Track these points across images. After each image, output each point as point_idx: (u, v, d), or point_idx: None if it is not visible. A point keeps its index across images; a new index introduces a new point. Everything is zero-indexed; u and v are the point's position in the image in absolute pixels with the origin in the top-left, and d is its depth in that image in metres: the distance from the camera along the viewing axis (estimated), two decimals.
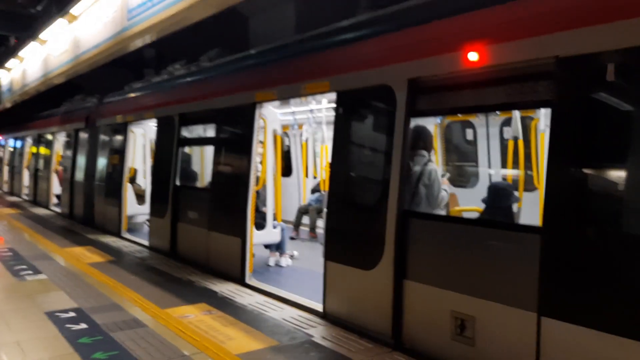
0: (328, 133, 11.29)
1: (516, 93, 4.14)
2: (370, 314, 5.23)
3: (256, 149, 7.31)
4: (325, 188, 9.53)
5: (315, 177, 12.05)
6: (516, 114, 6.43)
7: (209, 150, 11.01)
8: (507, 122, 7.95)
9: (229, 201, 7.66)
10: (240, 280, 7.19)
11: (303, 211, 11.19)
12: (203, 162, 11.91)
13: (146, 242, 10.26)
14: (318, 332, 5.35)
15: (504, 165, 8.05)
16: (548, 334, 3.76)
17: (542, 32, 3.89)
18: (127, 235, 11.17)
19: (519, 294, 3.96)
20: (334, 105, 5.88)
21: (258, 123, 7.28)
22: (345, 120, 5.75)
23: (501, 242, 4.16)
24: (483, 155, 8.49)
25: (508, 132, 8.04)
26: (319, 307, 5.93)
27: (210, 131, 8.51)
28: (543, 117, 7.10)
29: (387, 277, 5.01)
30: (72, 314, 5.84)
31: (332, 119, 10.01)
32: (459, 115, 7.68)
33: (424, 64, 4.79)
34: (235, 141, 7.70)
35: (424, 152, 5.28)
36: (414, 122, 5.30)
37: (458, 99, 4.64)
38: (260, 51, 7.51)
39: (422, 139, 5.31)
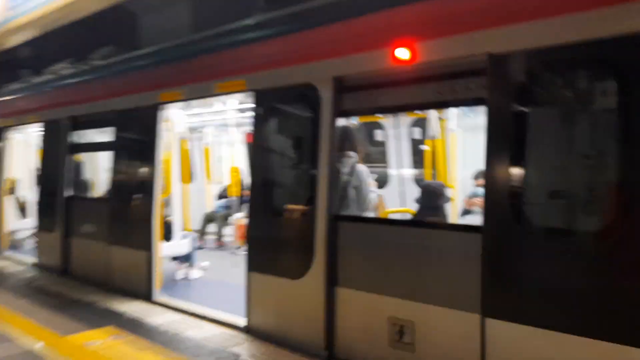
0: (236, 136, 10.93)
1: (449, 91, 4.06)
2: (300, 326, 4.94)
3: (161, 154, 6.76)
4: (233, 193, 9.11)
5: (220, 183, 11.55)
6: (434, 114, 6.47)
7: (105, 156, 10.20)
8: (417, 123, 8.05)
9: (132, 212, 7.01)
10: (148, 298, 6.59)
11: (209, 219, 10.66)
12: (97, 169, 10.96)
13: (33, 260, 9.21)
14: (245, 349, 4.97)
15: (416, 165, 8.13)
16: (492, 335, 3.70)
17: (474, 28, 3.84)
18: (9, 254, 9.97)
19: (461, 295, 3.88)
20: (252, 105, 5.52)
21: (162, 126, 6.74)
22: (264, 122, 5.42)
23: (441, 242, 4.05)
24: (393, 156, 8.53)
25: (417, 133, 8.17)
26: (241, 322, 5.53)
27: (108, 135, 7.76)
28: (454, 118, 7.26)
29: (318, 286, 4.75)
30: None
31: (240, 121, 9.84)
32: (385, 115, 7.53)
33: (350, 61, 4.60)
34: (138, 146, 7.06)
35: (352, 153, 5.09)
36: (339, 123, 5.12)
37: (388, 97, 4.50)
38: (165, 48, 6.95)
39: (349, 140, 5.12)
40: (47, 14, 9.24)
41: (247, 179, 10.92)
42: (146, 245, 6.62)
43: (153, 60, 7.03)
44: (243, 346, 5.04)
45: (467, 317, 3.83)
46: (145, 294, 6.64)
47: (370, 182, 5.10)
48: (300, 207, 5.01)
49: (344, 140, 5.06)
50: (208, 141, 11.15)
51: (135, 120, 7.13)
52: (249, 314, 5.45)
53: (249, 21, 5.62)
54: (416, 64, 4.18)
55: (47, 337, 5.32)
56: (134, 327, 5.67)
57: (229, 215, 10.46)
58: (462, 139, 7.64)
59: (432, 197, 5.39)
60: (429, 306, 4.07)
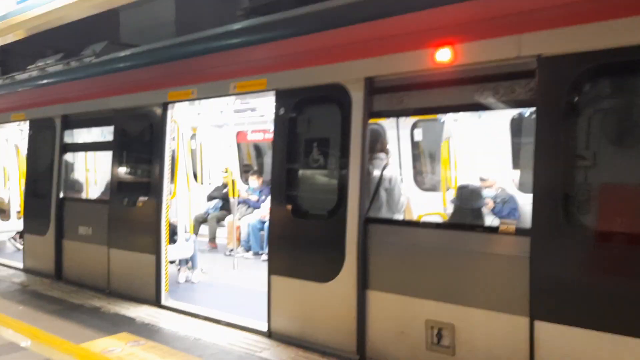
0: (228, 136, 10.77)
1: (494, 94, 4.07)
2: (329, 330, 4.88)
3: (169, 154, 6.57)
4: (235, 195, 8.95)
5: (210, 184, 11.32)
6: (449, 116, 6.48)
7: (100, 157, 9.90)
8: (417, 125, 8.05)
9: (137, 214, 6.79)
10: (157, 302, 6.39)
11: (201, 220, 10.43)
12: (87, 170, 10.61)
13: (18, 264, 8.84)
14: (273, 355, 4.87)
15: (417, 167, 8.13)
16: (542, 338, 3.71)
17: (524, 30, 3.85)
18: None
19: (507, 298, 3.88)
20: (275, 105, 5.42)
21: (170, 125, 6.56)
22: (288, 123, 5.32)
23: (486, 245, 4.05)
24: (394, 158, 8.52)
25: (418, 135, 8.19)
26: (262, 326, 5.42)
27: (107, 135, 7.50)
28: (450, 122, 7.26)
29: (349, 289, 4.70)
30: None
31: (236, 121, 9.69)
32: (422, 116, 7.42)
33: (388, 61, 4.56)
34: (144, 146, 6.85)
35: (383, 155, 5.06)
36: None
37: (427, 99, 4.48)
38: (176, 43, 6.75)
39: (379, 141, 5.09)
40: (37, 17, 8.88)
41: (238, 180, 10.81)
42: (153, 248, 6.42)
43: (162, 56, 6.82)
44: (271, 352, 4.94)
45: (514, 320, 3.83)
46: (152, 299, 6.44)
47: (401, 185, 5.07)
48: (329, 209, 4.93)
49: (374, 142, 5.02)
50: (199, 141, 10.91)
51: (140, 119, 6.92)
52: (270, 318, 5.34)
53: (275, 17, 5.52)
54: (458, 65, 4.17)
55: (60, 345, 5.10)
56: (150, 332, 5.49)
57: (222, 217, 10.28)
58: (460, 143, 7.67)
59: (469, 199, 5.40)
60: (471, 309, 4.06)
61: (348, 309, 4.71)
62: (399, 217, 5.11)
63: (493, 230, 4.33)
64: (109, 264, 7.05)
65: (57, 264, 8.06)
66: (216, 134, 10.90)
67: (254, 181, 10.26)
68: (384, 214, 4.90)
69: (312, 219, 5.19)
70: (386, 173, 4.95)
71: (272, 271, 5.34)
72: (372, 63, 4.67)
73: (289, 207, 5.25)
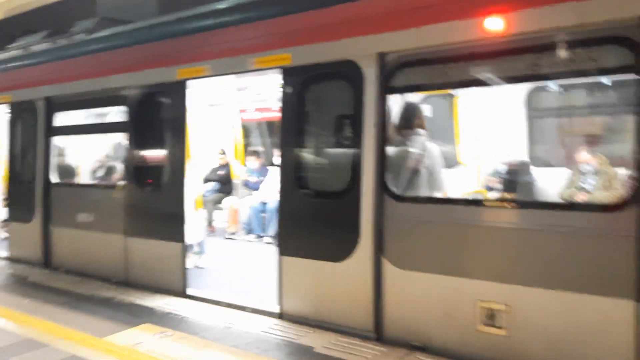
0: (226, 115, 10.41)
1: (551, 64, 3.90)
2: (344, 310, 4.83)
3: (187, 134, 6.20)
4: (236, 176, 8.66)
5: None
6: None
7: (94, 141, 9.50)
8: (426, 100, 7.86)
9: (160, 200, 6.40)
10: (182, 293, 6.07)
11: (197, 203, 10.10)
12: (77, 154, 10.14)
13: (3, 253, 8.51)
14: (314, 340, 4.68)
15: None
16: None
17: None
18: None
19: (599, 280, 3.65)
20: (282, 82, 5.30)
21: (188, 104, 6.19)
22: (298, 99, 5.22)
23: (564, 223, 3.80)
24: None
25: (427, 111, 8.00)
26: (273, 308, 5.37)
27: (112, 116, 7.08)
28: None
29: (365, 268, 4.66)
30: None
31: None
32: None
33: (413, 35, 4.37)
34: (161, 127, 6.46)
35: (421, 131, 4.86)
36: (403, 99, 4.91)
37: (474, 70, 4.28)
38: (185, 17, 6.37)
39: (417, 116, 4.89)
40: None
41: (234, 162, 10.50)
42: (177, 235, 6.11)
43: (171, 30, 6.44)
44: (310, 337, 4.75)
45: (613, 303, 3.61)
46: (179, 289, 6.10)
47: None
48: (340, 187, 4.88)
49: (412, 117, 4.83)
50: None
51: (157, 98, 6.53)
52: (281, 300, 5.27)
53: None
54: (514, 34, 3.97)
55: (82, 340, 4.81)
56: (174, 323, 5.24)
57: (219, 200, 9.99)
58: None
59: (518, 175, 5.25)
60: (536, 289, 3.88)
61: (364, 288, 4.66)
62: (439, 195, 4.93)
63: (582, 207, 4.12)
64: (127, 253, 6.66)
65: (45, 251, 7.78)
66: (209, 114, 10.52)
67: (253, 162, 9.96)
68: (425, 192, 4.72)
69: (324, 198, 5.13)
70: (426, 150, 4.77)
71: (282, 252, 5.26)
72: (392, 37, 4.48)
73: (300, 186, 5.17)
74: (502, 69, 4.19)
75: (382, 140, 4.59)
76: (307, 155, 5.33)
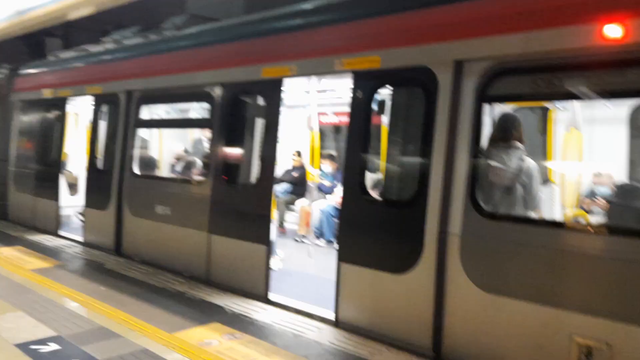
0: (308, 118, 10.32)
1: None
2: (401, 324, 4.66)
3: (279, 133, 6.01)
4: (310, 178, 8.54)
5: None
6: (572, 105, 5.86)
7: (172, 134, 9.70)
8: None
9: (247, 199, 6.23)
10: (264, 297, 5.88)
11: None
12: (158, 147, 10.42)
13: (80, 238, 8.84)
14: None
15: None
16: None
17: None
18: (65, 233, 9.38)
19: None
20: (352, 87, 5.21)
21: (282, 102, 6.05)
22: (366, 106, 5.13)
23: None
24: None
25: None
26: (328, 314, 5.29)
27: (200, 111, 7.07)
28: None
29: (426, 283, 4.46)
30: (54, 346, 4.46)
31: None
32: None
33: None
34: (251, 125, 6.36)
35: (519, 144, 4.53)
36: (501, 110, 4.61)
37: (576, 82, 3.91)
38: (272, 16, 6.31)
39: (515, 129, 4.56)
40: None
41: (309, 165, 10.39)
42: (263, 237, 5.96)
43: (256, 29, 6.40)
44: (384, 356, 4.51)
45: None
46: (261, 293, 5.91)
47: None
48: (406, 197, 4.77)
49: (510, 129, 4.51)
50: None
51: (251, 95, 6.49)
52: (338, 307, 5.18)
53: None
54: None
55: (154, 334, 4.80)
56: (243, 324, 5.15)
57: (292, 201, 9.91)
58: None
59: (625, 198, 4.82)
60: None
61: (424, 303, 4.48)
62: (535, 215, 4.56)
63: None
64: (210, 251, 6.54)
65: (117, 239, 7.96)
66: (287, 115, 10.48)
67: (327, 166, 9.82)
68: (519, 210, 4.38)
69: (389, 206, 5.01)
70: (522, 164, 4.42)
71: (342, 258, 5.15)
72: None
73: (364, 192, 5.08)
74: (617, 82, 3.79)
75: (474, 151, 4.30)
76: (374, 161, 5.42)
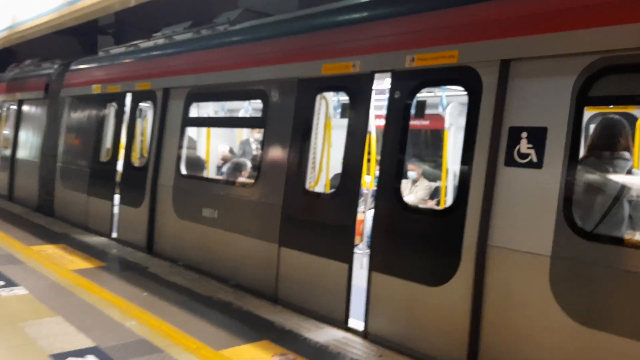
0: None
1: None
2: (434, 339, 4.37)
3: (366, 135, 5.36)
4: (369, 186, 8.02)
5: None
6: None
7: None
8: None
9: (326, 210, 5.48)
10: (344, 324, 5.10)
11: None
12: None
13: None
14: None
15: None
16: None
17: None
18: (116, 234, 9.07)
19: None
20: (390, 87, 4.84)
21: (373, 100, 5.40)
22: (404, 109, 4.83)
23: None
24: None
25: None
26: (358, 325, 4.99)
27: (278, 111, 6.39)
28: None
29: (462, 297, 4.15)
30: (91, 359, 4.08)
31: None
32: None
33: None
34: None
35: (627, 154, 3.91)
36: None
37: None
38: (332, 9, 5.84)
39: (622, 135, 3.94)
40: None
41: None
42: (344, 254, 5.16)
43: (315, 22, 5.96)
44: None
45: None
46: (340, 319, 5.13)
47: None
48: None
49: (616, 136, 3.90)
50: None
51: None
52: (368, 317, 4.88)
53: None
54: None
55: (199, 351, 4.38)
56: (294, 343, 4.67)
57: None
58: None
59: None
60: None
61: (460, 319, 4.16)
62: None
63: None
64: (279, 266, 5.78)
65: (149, 237, 7.74)
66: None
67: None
68: (622, 232, 3.75)
69: (425, 214, 4.89)
70: (631, 180, 3.80)
71: (373, 267, 4.86)
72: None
73: (398, 199, 4.77)
74: None
75: (571, 161, 3.70)
76: (401, 168, 4.98)
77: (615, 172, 3.84)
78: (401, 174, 4.93)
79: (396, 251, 4.74)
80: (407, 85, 4.80)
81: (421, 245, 4.54)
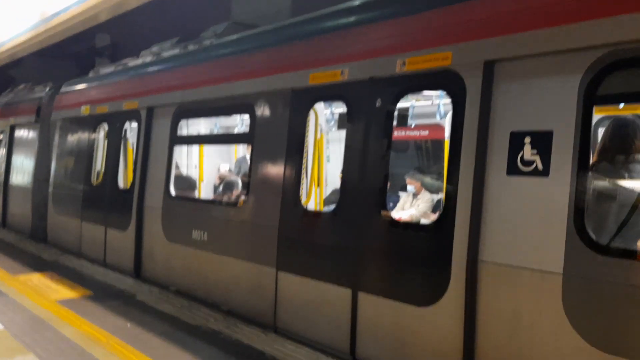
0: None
1: None
2: None
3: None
4: None
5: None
6: None
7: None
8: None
9: (330, 229, 4.98)
10: (350, 355, 4.62)
11: None
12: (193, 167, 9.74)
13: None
14: None
15: None
16: None
17: None
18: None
19: None
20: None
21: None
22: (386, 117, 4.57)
23: None
24: None
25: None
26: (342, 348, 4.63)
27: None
28: None
29: (453, 317, 3.85)
30: None
31: None
32: None
33: None
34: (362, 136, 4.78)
35: None
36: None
37: None
38: (317, 16, 5.53)
39: (638, 137, 3.56)
40: None
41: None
42: (349, 277, 4.64)
43: (302, 30, 5.64)
44: None
45: None
46: (345, 349, 4.64)
47: None
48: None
49: (632, 138, 3.52)
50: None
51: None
52: (355, 342, 4.57)
53: None
54: None
55: None
56: None
57: None
58: None
59: None
60: None
61: (451, 341, 3.85)
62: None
63: None
64: (277, 291, 5.34)
65: (137, 262, 7.44)
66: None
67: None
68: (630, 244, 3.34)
69: (409, 229, 4.57)
70: None
71: (358, 286, 4.53)
72: None
73: (383, 214, 4.48)
74: None
75: (581, 166, 3.32)
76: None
77: (631, 177, 3.45)
78: (385, 189, 4.57)
79: (381, 268, 4.48)
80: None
81: (405, 261, 4.30)
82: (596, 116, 6.01)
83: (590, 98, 3.31)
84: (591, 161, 3.51)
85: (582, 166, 3.31)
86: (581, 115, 3.33)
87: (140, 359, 4.57)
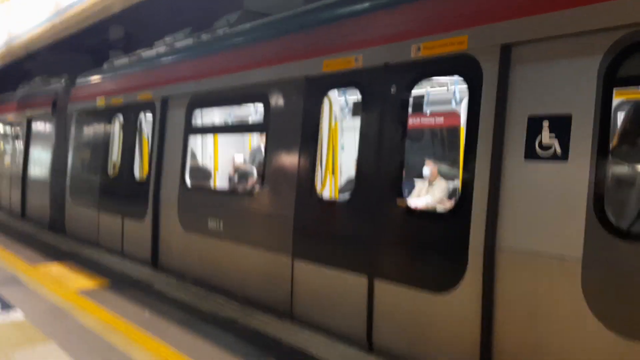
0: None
1: None
2: (444, 350, 4.02)
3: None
4: None
5: None
6: None
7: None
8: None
9: (348, 216, 4.95)
10: (367, 344, 4.61)
11: None
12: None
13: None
14: None
15: None
16: None
17: None
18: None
19: None
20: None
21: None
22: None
23: None
24: None
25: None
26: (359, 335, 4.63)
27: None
28: None
29: (470, 304, 3.81)
30: None
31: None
32: None
33: None
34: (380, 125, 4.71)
35: None
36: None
37: None
38: (329, 3, 5.49)
39: None
40: None
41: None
42: (366, 265, 4.64)
43: (315, 17, 5.60)
44: None
45: None
46: (362, 338, 4.63)
47: None
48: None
49: None
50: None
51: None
52: (372, 329, 4.57)
53: None
54: None
55: None
56: None
57: None
58: None
59: None
60: None
61: (469, 327, 3.82)
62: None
63: None
64: (293, 279, 5.34)
65: (154, 251, 7.48)
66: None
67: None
68: None
69: (425, 218, 4.62)
70: None
71: (374, 274, 4.52)
72: None
73: (400, 201, 4.45)
74: None
75: (601, 150, 3.27)
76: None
77: None
78: (401, 176, 4.52)
79: (398, 255, 4.45)
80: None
81: (422, 248, 4.28)
82: (616, 100, 5.93)
83: (610, 80, 3.25)
84: (611, 145, 3.46)
85: (601, 150, 3.26)
86: (601, 98, 3.27)
87: (159, 346, 4.60)
